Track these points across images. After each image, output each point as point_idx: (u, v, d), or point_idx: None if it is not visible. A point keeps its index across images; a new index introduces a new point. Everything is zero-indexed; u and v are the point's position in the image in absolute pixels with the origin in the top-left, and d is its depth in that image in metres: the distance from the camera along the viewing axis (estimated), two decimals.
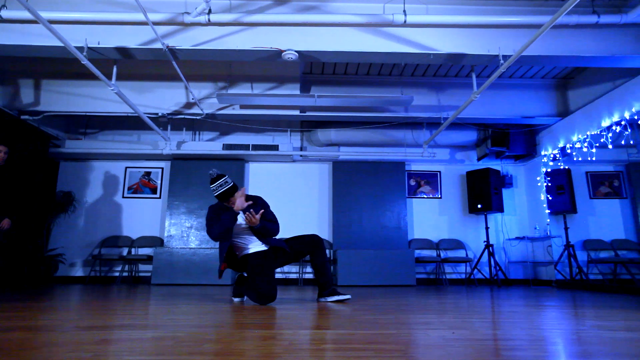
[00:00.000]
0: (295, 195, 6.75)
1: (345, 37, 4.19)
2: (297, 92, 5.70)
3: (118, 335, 1.61)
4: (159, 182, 6.71)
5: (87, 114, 5.75)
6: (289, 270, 6.46)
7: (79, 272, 6.32)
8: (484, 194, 6.31)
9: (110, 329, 1.75)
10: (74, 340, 1.48)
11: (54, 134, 6.27)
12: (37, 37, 4.02)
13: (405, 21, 4.01)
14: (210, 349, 1.35)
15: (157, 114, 5.67)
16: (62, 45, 3.70)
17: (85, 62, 3.72)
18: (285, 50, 4.09)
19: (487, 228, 6.28)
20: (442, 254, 6.64)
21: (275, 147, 6.42)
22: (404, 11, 4.03)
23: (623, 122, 4.78)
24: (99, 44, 4.04)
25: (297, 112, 5.86)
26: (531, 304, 3.14)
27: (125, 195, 6.63)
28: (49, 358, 1.20)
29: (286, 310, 2.60)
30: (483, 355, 1.28)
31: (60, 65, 5.65)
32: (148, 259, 6.04)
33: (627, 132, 4.79)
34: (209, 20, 3.94)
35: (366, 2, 4.27)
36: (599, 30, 4.28)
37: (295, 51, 4.13)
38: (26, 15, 3.80)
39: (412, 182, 6.98)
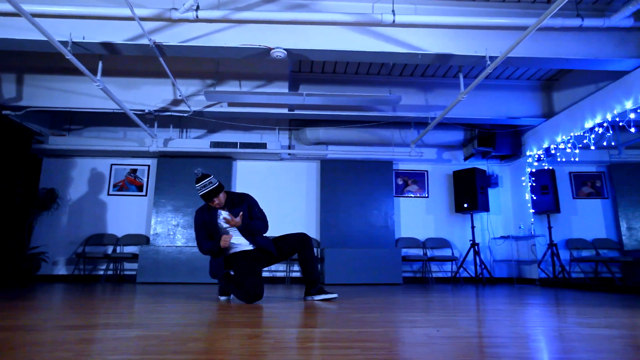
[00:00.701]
0: (283, 193, 6.73)
1: (334, 36, 4.19)
2: (286, 90, 5.68)
3: (101, 334, 1.59)
4: (145, 179, 6.62)
5: (72, 109, 5.64)
6: (276, 269, 6.45)
7: (61, 270, 6.21)
8: (470, 193, 6.38)
9: (94, 328, 1.73)
10: (55, 340, 1.46)
11: (36, 129, 6.14)
12: (20, 31, 3.93)
13: (394, 21, 4.02)
14: (195, 348, 1.34)
15: (143, 110, 5.59)
16: (45, 39, 3.63)
17: (69, 57, 3.65)
18: (273, 48, 4.08)
19: (472, 227, 6.36)
20: (429, 253, 6.70)
21: (263, 145, 6.39)
22: (393, 11, 4.04)
23: (605, 124, 4.88)
24: (84, 38, 3.97)
25: (285, 111, 5.84)
26: (515, 302, 3.19)
27: (111, 192, 6.53)
28: (29, 358, 1.18)
29: (272, 308, 2.60)
30: (467, 353, 1.30)
31: (44, 59, 5.53)
32: (133, 257, 5.96)
33: (609, 134, 4.89)
34: (197, 16, 3.90)
35: (355, 1, 4.27)
36: (583, 33, 4.36)
37: (284, 49, 4.11)
38: (8, 7, 3.71)
39: (400, 181, 7.02)
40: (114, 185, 6.56)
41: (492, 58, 4.21)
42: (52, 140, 6.22)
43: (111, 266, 6.27)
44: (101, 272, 6.25)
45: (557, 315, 2.32)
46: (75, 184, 6.51)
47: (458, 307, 2.76)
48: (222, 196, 3.03)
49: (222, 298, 3.30)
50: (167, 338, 1.52)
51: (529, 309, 2.67)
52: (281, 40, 4.15)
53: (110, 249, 6.33)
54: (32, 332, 1.62)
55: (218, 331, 1.68)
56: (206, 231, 3.08)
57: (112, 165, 6.63)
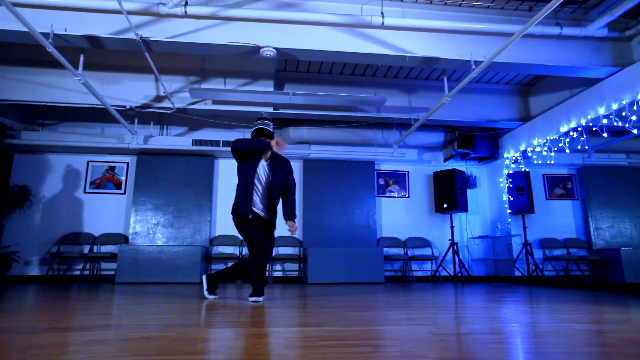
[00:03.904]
0: None
1: (323, 37, 4.21)
2: (271, 88, 5.65)
3: (106, 335, 1.56)
4: (124, 177, 6.45)
5: (47, 104, 5.43)
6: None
7: (34, 271, 5.97)
8: (450, 194, 6.53)
9: (96, 330, 1.69)
10: (57, 342, 1.42)
11: (8, 124, 5.89)
12: None
13: (383, 23, 4.08)
14: (207, 348, 1.34)
15: (124, 106, 5.45)
16: (25, 30, 3.49)
17: (51, 49, 3.52)
18: (263, 47, 4.06)
19: (452, 227, 6.51)
20: (409, 252, 6.82)
21: None
22: (382, 13, 4.10)
23: (579, 129, 5.10)
24: (65, 31, 3.84)
25: (270, 109, 5.81)
26: (499, 299, 3.30)
27: (87, 190, 6.33)
28: None
29: (261, 308, 2.60)
30: (479, 349, 1.34)
31: (17, 50, 5.31)
32: (112, 257, 5.80)
33: (582, 138, 5.12)
34: (185, 12, 3.84)
35: (344, 2, 4.31)
36: (562, 41, 4.54)
37: (274, 48, 4.10)
38: None
39: (381, 182, 7.11)
40: (91, 183, 6.36)
41: (476, 62, 4.33)
42: (24, 135, 5.98)
43: (87, 266, 6.08)
44: (77, 273, 6.05)
45: (542, 312, 2.42)
46: (50, 181, 6.27)
47: (448, 305, 2.84)
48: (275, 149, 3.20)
49: (211, 297, 3.27)
50: (175, 339, 1.50)
51: (514, 306, 2.78)
52: (270, 39, 4.14)
53: (86, 249, 6.14)
54: (29, 334, 1.57)
55: (223, 331, 1.68)
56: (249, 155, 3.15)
57: (88, 162, 6.42)
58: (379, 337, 1.54)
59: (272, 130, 3.24)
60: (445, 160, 7.14)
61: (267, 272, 3.30)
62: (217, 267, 6.37)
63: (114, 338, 1.51)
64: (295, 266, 6.51)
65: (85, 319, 2.01)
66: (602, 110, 4.71)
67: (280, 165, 3.27)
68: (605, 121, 4.69)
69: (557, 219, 6.77)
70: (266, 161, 3.24)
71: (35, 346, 1.35)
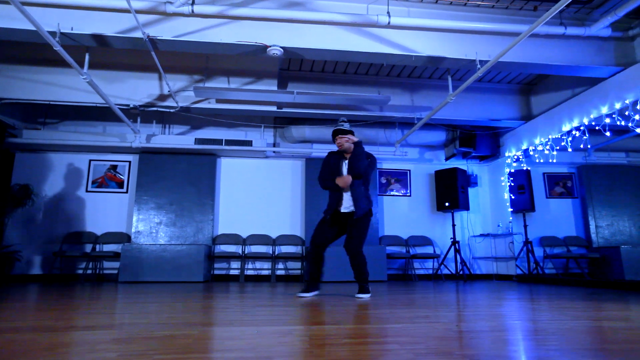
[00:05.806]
0: (267, 191, 6.71)
1: (330, 36, 4.22)
2: (274, 87, 5.66)
3: (127, 334, 1.56)
4: (126, 176, 6.44)
5: (50, 102, 5.41)
6: (261, 267, 6.43)
7: (36, 270, 5.96)
8: (451, 192, 6.56)
9: (118, 329, 1.69)
10: (85, 340, 1.43)
11: (9, 122, 5.86)
12: (3, 19, 3.74)
13: (389, 23, 4.09)
14: (236, 346, 1.35)
15: (128, 105, 5.44)
16: (32, 29, 3.47)
17: (58, 48, 3.51)
18: (270, 46, 4.06)
19: (453, 225, 6.55)
20: (411, 251, 6.85)
21: (248, 143, 6.34)
22: (388, 12, 4.11)
23: (582, 128, 5.14)
24: (72, 29, 3.82)
25: (273, 108, 5.82)
26: (505, 297, 3.33)
27: (89, 189, 6.31)
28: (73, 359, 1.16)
29: (276, 306, 2.61)
30: (500, 346, 1.36)
31: (18, 49, 5.28)
32: (114, 256, 5.79)
33: (585, 137, 5.16)
34: (192, 11, 3.83)
35: (351, 1, 4.32)
36: (565, 41, 4.57)
37: (281, 47, 4.10)
38: None
39: (383, 180, 7.13)
40: (93, 182, 6.34)
41: (482, 62, 4.35)
42: (26, 134, 5.95)
43: (90, 265, 6.07)
44: (79, 272, 6.03)
45: (553, 310, 2.45)
46: (51, 179, 6.25)
47: (456, 303, 2.86)
48: (346, 143, 3.40)
49: (308, 294, 3.42)
50: (199, 337, 1.51)
51: (521, 304, 2.80)
52: (277, 38, 4.14)
53: (89, 248, 6.12)
54: (50, 333, 1.58)
55: (244, 329, 1.69)
56: (329, 171, 3.49)
57: (90, 160, 6.40)
58: (400, 335, 1.56)
59: (347, 129, 3.41)
60: (446, 159, 7.17)
61: (318, 267, 3.59)
62: (220, 265, 6.38)
63: (138, 336, 1.51)
64: (297, 264, 6.53)
65: (101, 318, 2.01)
66: (605, 110, 4.75)
67: (350, 158, 3.42)
68: (607, 120, 4.73)
69: (558, 217, 6.82)
70: (346, 156, 3.52)
71: (61, 344, 1.36)
